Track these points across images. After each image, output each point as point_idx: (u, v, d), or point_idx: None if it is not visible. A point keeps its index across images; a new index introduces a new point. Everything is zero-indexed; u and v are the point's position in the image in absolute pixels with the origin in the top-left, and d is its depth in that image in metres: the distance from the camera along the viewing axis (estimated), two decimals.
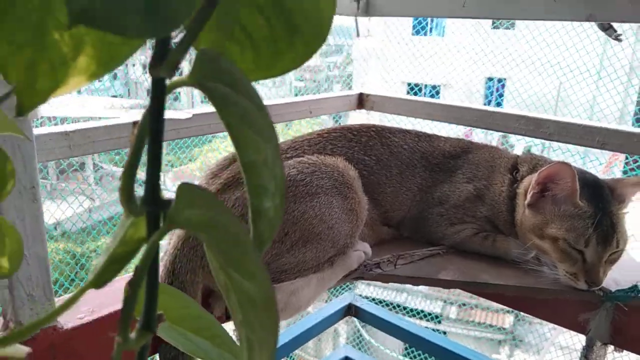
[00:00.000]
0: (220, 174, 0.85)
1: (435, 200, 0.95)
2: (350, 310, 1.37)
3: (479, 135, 1.89)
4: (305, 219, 0.80)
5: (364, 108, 1.23)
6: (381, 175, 0.95)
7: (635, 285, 0.81)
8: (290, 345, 1.20)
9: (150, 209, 0.23)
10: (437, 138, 1.02)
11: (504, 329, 6.30)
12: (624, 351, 0.86)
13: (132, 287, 0.23)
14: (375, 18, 1.40)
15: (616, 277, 0.85)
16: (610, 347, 0.85)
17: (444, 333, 6.61)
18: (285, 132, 1.68)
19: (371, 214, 0.93)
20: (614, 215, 0.81)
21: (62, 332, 0.69)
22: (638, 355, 0.86)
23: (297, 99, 1.10)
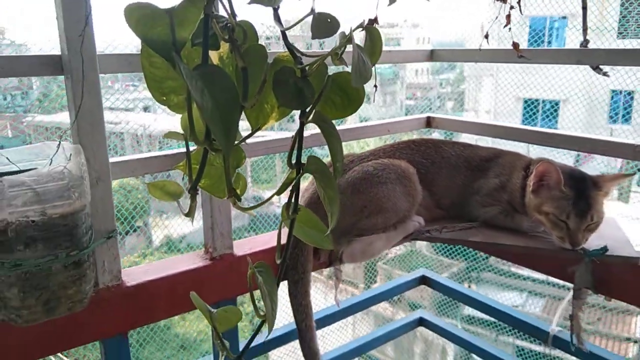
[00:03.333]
0: None
1: (474, 190, 1.37)
2: (424, 280, 1.79)
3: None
4: (378, 198, 1.26)
5: (431, 127, 1.67)
6: (434, 173, 1.39)
7: (605, 246, 1.17)
8: (374, 299, 1.65)
9: (296, 166, 0.71)
10: (477, 147, 1.44)
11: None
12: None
13: (287, 204, 0.71)
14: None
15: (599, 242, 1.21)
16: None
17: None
18: (369, 144, 2.14)
19: (427, 200, 1.37)
20: (591, 198, 1.18)
21: (236, 257, 1.21)
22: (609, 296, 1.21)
23: (380, 121, 1.56)
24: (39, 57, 0.95)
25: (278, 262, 0.73)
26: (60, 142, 0.95)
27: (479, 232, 1.31)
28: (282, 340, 1.42)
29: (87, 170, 0.96)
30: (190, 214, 0.70)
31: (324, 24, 0.66)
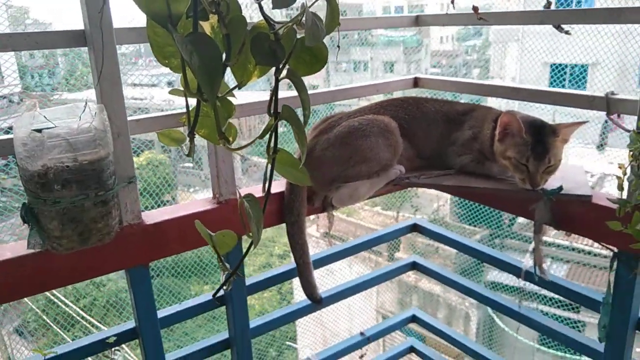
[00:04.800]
0: (319, 126, 1.52)
1: (450, 142, 1.53)
2: (415, 227, 1.96)
3: None
4: (362, 149, 1.44)
5: (418, 87, 1.82)
6: (415, 127, 1.55)
7: (560, 186, 1.33)
8: (367, 244, 1.84)
9: (274, 114, 0.89)
10: (455, 102, 1.59)
11: None
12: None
13: (268, 145, 0.89)
14: None
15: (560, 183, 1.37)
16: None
17: (583, 324, 6.69)
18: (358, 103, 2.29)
19: (409, 151, 1.54)
20: (549, 143, 1.33)
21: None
22: (568, 231, 1.37)
23: (370, 82, 1.71)
24: (67, 32, 1.13)
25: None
26: (86, 102, 1.14)
27: (453, 178, 1.48)
28: (284, 276, 1.63)
29: (110, 126, 1.15)
30: (190, 154, 0.89)
31: None
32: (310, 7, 0.84)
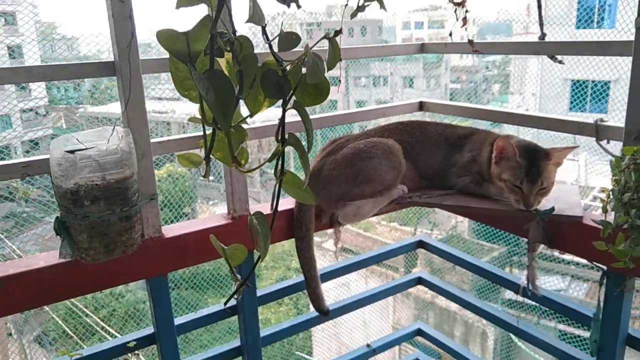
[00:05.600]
0: (327, 148, 1.63)
1: (451, 163, 1.63)
2: (421, 244, 2.05)
3: None
4: (366, 170, 1.54)
5: (423, 111, 1.92)
6: (418, 150, 1.65)
7: (552, 207, 1.41)
8: (373, 259, 1.93)
9: (281, 140, 1.00)
10: (456, 126, 1.69)
11: None
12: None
13: (275, 168, 1.00)
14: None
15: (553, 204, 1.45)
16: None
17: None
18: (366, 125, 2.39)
19: (412, 172, 1.64)
20: (541, 167, 1.42)
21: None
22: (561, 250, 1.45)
23: (377, 106, 1.82)
24: (99, 64, 1.27)
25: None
26: (114, 127, 1.27)
27: (453, 197, 1.57)
28: (293, 288, 1.73)
29: (135, 147, 1.27)
30: (206, 175, 1.00)
31: (289, 39, 0.94)
32: (312, 47, 0.95)
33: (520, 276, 1.69)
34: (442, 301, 8.63)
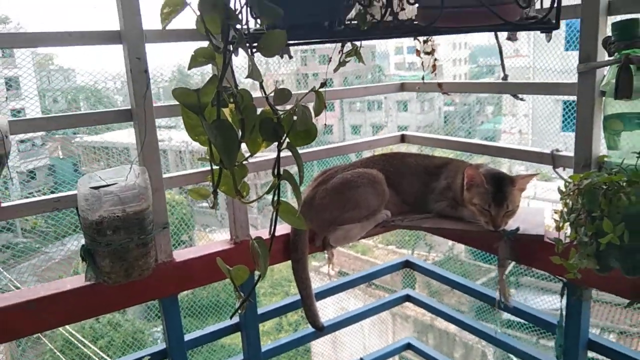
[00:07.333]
0: (318, 178, 1.83)
1: (429, 190, 1.82)
2: (407, 264, 2.23)
3: None
4: (354, 198, 1.73)
5: (404, 143, 2.12)
6: (400, 178, 1.84)
7: (517, 228, 1.60)
8: (362, 279, 2.11)
9: (277, 175, 1.19)
10: (433, 157, 1.89)
11: None
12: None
13: (272, 199, 1.19)
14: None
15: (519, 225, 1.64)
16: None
17: None
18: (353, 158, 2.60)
19: (395, 198, 1.83)
20: (507, 192, 1.61)
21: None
22: (528, 266, 1.63)
23: (362, 139, 2.02)
24: (117, 111, 1.47)
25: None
26: (132, 165, 1.46)
27: (431, 220, 1.76)
28: (291, 306, 1.90)
29: (150, 183, 1.46)
30: (213, 207, 1.19)
31: (283, 94, 1.14)
32: (301, 100, 1.15)
33: (495, 292, 1.87)
34: (441, 323, 8.73)
